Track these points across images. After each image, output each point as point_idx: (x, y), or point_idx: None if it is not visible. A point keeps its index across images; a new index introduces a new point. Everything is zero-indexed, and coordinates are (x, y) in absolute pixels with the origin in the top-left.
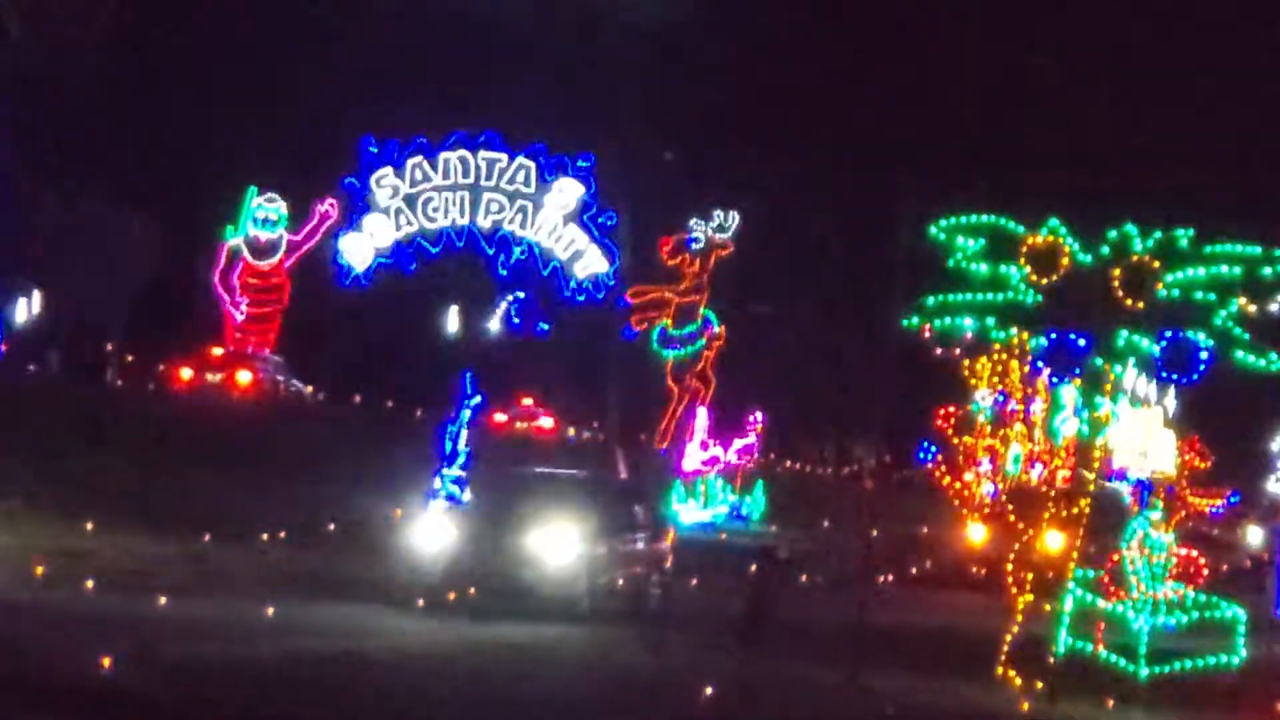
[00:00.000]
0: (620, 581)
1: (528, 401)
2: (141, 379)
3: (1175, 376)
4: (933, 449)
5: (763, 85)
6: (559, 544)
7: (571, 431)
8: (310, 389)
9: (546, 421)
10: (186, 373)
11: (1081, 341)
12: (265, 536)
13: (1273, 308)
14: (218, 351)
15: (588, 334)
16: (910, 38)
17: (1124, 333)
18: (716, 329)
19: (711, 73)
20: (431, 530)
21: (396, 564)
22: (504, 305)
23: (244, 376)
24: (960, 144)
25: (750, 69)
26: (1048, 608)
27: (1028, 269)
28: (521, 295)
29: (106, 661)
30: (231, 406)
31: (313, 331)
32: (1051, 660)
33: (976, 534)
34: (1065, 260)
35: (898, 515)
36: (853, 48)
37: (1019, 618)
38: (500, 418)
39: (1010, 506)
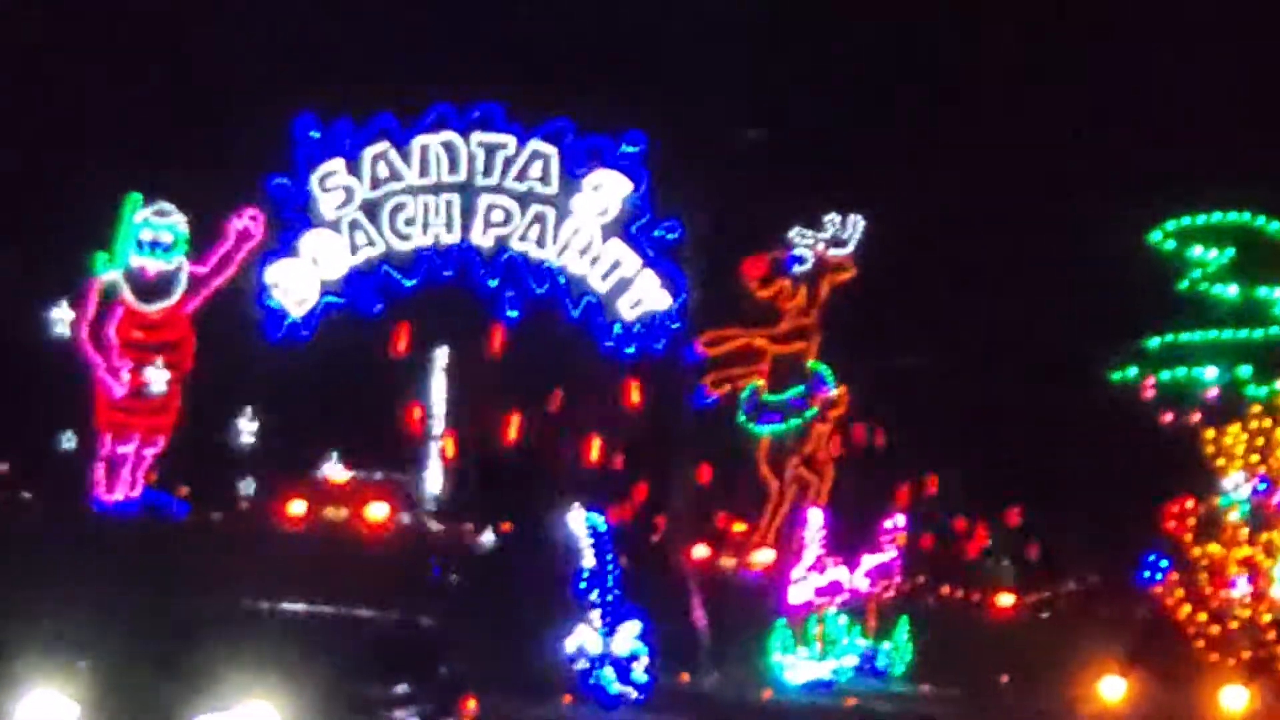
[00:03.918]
0: None
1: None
2: None
3: None
4: (1162, 563)
5: (898, 36)
6: None
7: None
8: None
9: (765, 555)
10: (298, 507)
11: None
12: None
13: None
14: (339, 476)
15: (640, 402)
16: None
17: None
18: (833, 391)
19: (821, 14)
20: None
21: None
22: None
23: (377, 511)
24: (1190, 115)
25: (879, 11)
26: None
27: None
28: None
29: None
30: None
31: (229, 410)
32: None
33: (1235, 699)
34: None
35: (1115, 664)
36: None
37: None
38: (700, 552)
39: None
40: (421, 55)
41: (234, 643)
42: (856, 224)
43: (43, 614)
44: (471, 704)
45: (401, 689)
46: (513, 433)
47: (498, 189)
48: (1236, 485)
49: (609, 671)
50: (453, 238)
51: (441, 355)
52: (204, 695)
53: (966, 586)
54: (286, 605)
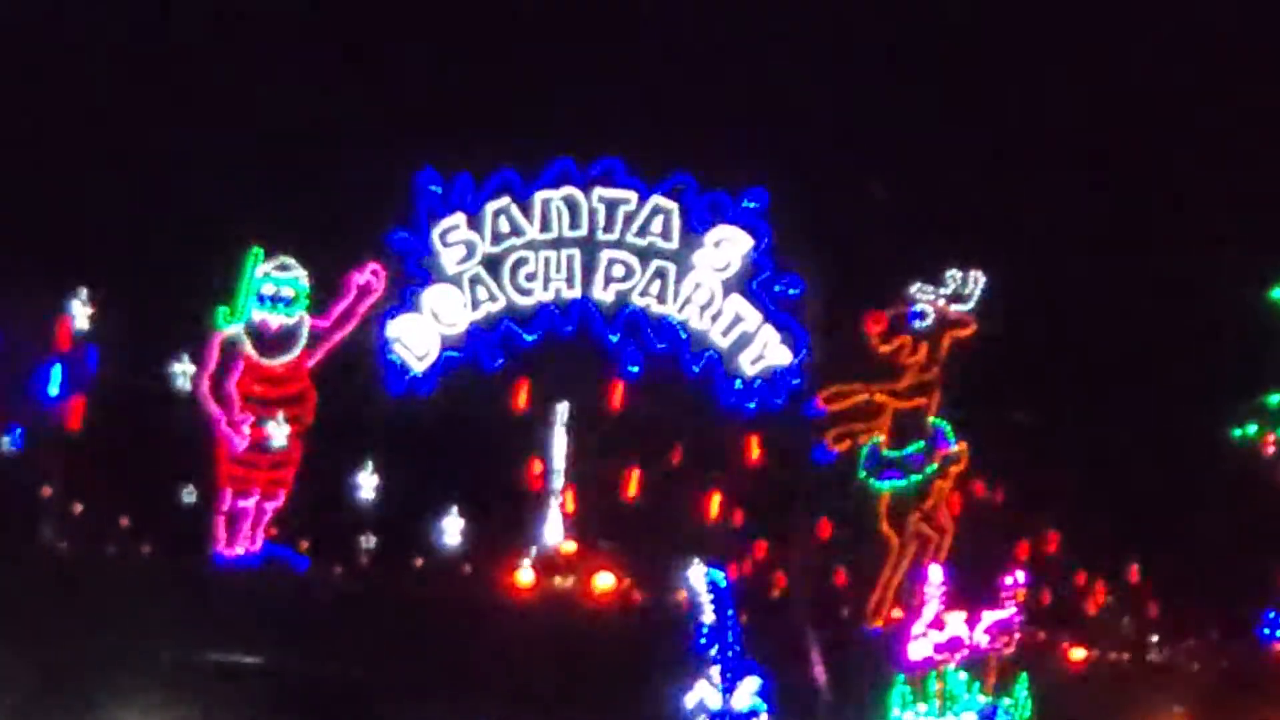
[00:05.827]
0: None
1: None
2: (96, 538)
3: None
4: None
5: (1019, 93)
6: None
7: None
8: None
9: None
10: (527, 577)
11: None
12: None
13: None
14: (568, 546)
15: (759, 457)
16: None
17: None
18: (954, 447)
19: (942, 69)
20: None
21: None
22: None
23: (604, 581)
24: None
25: (1003, 66)
26: None
27: None
28: None
29: None
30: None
31: (349, 466)
32: None
33: None
34: None
35: None
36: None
37: None
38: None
39: None
40: (542, 109)
41: (136, 692)
42: (977, 279)
43: None
44: None
45: None
46: (632, 488)
47: (619, 244)
48: None
49: None
50: (573, 293)
51: (562, 410)
52: None
53: (1086, 643)
54: (210, 655)
